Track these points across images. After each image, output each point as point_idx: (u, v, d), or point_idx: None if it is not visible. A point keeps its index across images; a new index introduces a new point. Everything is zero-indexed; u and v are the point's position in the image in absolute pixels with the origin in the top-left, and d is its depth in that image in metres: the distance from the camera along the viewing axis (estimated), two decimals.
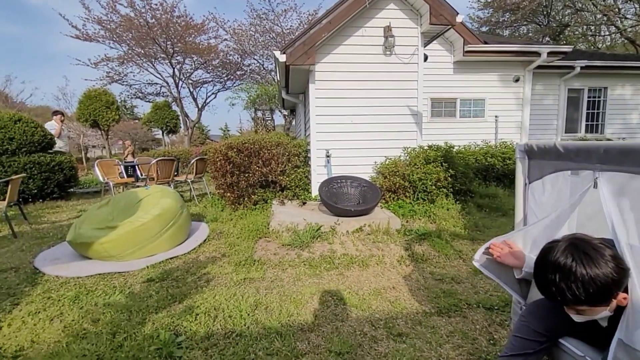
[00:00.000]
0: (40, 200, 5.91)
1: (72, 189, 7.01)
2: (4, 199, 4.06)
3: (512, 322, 1.69)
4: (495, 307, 2.20)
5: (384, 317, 2.13)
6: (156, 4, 14.26)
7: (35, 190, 5.75)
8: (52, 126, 6.90)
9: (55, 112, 7.17)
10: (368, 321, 2.08)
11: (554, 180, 1.34)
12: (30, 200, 5.79)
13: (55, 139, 6.87)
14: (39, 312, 2.20)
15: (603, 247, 0.96)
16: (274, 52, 5.09)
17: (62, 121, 7.04)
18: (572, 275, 0.94)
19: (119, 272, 2.85)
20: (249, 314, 2.14)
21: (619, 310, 1.00)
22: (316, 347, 1.83)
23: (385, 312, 2.20)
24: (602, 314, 1.01)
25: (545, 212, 1.38)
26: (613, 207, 1.03)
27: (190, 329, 1.98)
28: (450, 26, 4.79)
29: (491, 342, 1.87)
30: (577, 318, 1.06)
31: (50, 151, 6.45)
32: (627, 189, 1.02)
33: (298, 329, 2.00)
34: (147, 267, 2.95)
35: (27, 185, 5.63)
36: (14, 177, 4.10)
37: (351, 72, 4.93)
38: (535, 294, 1.53)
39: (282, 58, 4.70)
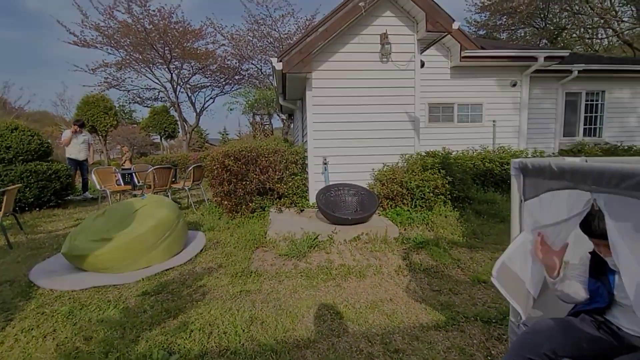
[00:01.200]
0: (37, 209, 5.88)
1: (69, 197, 6.98)
2: None
3: (510, 340, 1.67)
4: (493, 320, 2.18)
5: (380, 332, 2.11)
6: (154, 10, 14.31)
7: (32, 199, 5.72)
8: (66, 134, 7.11)
9: (75, 122, 7.36)
10: (364, 336, 2.06)
11: (549, 199, 1.32)
12: (27, 209, 5.75)
13: (65, 147, 7.10)
14: (32, 328, 2.17)
15: None
16: (271, 59, 5.08)
17: (74, 131, 7.10)
18: None
19: (114, 285, 2.82)
20: (244, 330, 2.12)
21: None
22: None
23: (382, 326, 2.18)
24: None
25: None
26: (613, 230, 1.02)
27: (184, 347, 1.95)
28: (446, 33, 4.81)
29: (489, 358, 1.84)
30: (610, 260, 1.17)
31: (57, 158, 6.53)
32: (623, 213, 1.01)
33: (294, 345, 1.98)
34: (143, 279, 2.92)
35: (23, 194, 5.60)
36: (9, 187, 4.08)
37: (348, 79, 4.93)
38: (537, 307, 1.52)
39: (279, 66, 4.69)
